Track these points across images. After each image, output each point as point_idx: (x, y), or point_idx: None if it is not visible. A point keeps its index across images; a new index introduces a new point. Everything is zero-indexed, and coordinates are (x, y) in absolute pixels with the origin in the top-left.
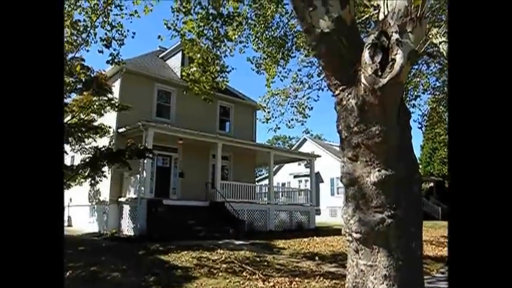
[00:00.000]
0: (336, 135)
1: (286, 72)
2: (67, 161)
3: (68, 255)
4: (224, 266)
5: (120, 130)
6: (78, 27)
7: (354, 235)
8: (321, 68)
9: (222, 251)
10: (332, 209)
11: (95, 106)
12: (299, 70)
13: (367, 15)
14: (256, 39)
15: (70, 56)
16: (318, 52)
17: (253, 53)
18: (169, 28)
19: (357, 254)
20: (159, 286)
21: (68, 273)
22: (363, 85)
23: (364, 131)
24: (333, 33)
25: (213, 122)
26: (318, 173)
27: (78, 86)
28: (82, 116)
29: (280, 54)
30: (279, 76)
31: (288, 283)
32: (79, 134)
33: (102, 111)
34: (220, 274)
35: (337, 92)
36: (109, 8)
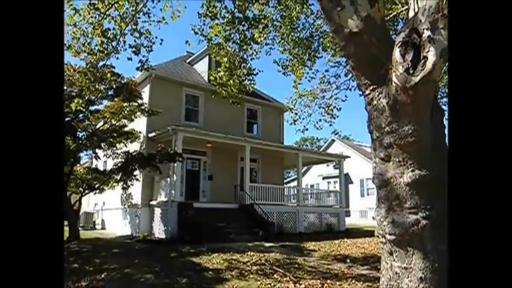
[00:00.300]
0: (366, 135)
1: (313, 73)
2: (100, 165)
3: (102, 257)
4: (255, 268)
5: (150, 135)
6: (108, 36)
7: (388, 237)
8: (348, 68)
9: (252, 253)
10: (362, 210)
11: (126, 112)
12: (326, 71)
13: (395, 13)
14: (282, 41)
15: (101, 63)
16: (347, 52)
17: (279, 55)
18: (196, 33)
19: (391, 256)
20: None
21: (103, 275)
22: (394, 84)
23: (396, 130)
24: (362, 33)
25: (241, 124)
26: (347, 174)
27: (110, 93)
28: (113, 122)
29: (307, 55)
30: (306, 77)
31: (320, 285)
32: (111, 140)
33: (133, 117)
34: (251, 276)
35: (367, 92)
36: (137, 15)
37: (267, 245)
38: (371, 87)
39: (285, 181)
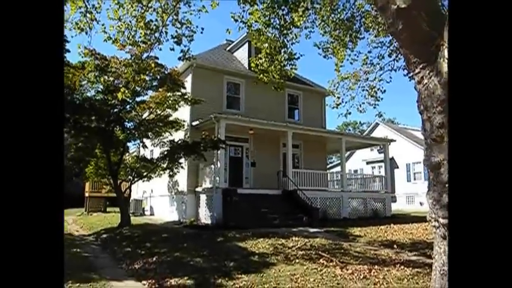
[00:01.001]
0: (412, 118)
1: (355, 54)
2: (147, 154)
3: (152, 241)
4: (300, 253)
5: (194, 123)
6: (150, 27)
7: (441, 221)
8: (392, 48)
9: (297, 238)
10: (408, 195)
11: (170, 102)
12: (369, 52)
13: None
14: (323, 23)
15: (145, 55)
16: (394, 30)
17: (319, 38)
18: (236, 20)
19: (444, 240)
20: (239, 271)
21: (154, 258)
22: (446, 61)
23: None
24: (410, 8)
25: (282, 110)
26: (393, 158)
27: (154, 84)
28: (158, 112)
29: (348, 36)
30: (348, 59)
31: (367, 271)
32: (157, 129)
33: (176, 106)
34: (297, 261)
35: (417, 71)
36: (178, 6)
37: (312, 230)
38: (421, 66)
39: (328, 167)
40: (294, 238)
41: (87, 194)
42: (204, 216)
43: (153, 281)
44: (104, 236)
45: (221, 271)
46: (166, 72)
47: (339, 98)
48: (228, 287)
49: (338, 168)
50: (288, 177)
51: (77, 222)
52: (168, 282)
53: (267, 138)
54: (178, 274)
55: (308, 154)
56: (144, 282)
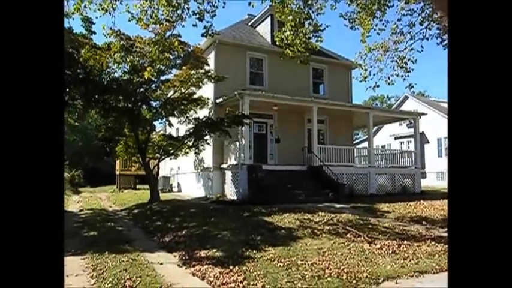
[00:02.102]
0: (443, 90)
1: (383, 24)
2: (173, 133)
3: (181, 216)
4: (327, 227)
5: (218, 101)
6: (173, 4)
7: None
8: (424, 15)
9: (323, 214)
10: (439, 172)
11: (194, 79)
12: (399, 20)
13: None
14: None
15: (168, 33)
16: None
17: (345, 8)
18: None
19: None
20: (266, 244)
21: (184, 232)
22: None
23: None
24: None
25: (307, 85)
26: (423, 133)
27: (178, 62)
28: (183, 90)
29: (376, 4)
30: (375, 29)
31: (396, 246)
32: (182, 107)
33: (200, 84)
34: (323, 235)
35: None
36: None
37: (338, 206)
38: None
39: (354, 143)
40: (320, 213)
41: (117, 172)
42: (230, 192)
43: (184, 252)
44: (135, 211)
45: (249, 244)
46: (189, 50)
47: (366, 70)
48: (256, 259)
49: (365, 144)
50: (313, 153)
51: (109, 199)
52: (198, 254)
53: (291, 114)
54: (207, 246)
55: (334, 130)
56: (175, 253)
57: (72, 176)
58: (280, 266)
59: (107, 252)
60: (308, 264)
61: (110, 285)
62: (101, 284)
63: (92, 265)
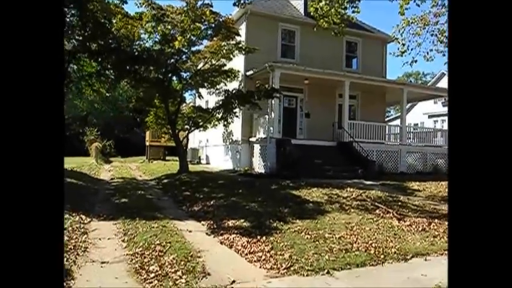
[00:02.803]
0: None
1: None
2: (202, 104)
3: (209, 187)
4: (355, 203)
5: (248, 73)
6: None
7: None
8: None
9: (351, 189)
10: None
11: (224, 51)
12: None
13: None
14: None
15: (199, 3)
16: None
17: None
18: None
19: None
20: (294, 217)
21: (212, 202)
22: None
23: None
24: None
25: (339, 59)
26: None
27: (209, 32)
28: (213, 62)
29: None
30: (414, 1)
31: (426, 224)
32: (211, 79)
33: (231, 56)
34: (352, 210)
35: None
36: None
37: (367, 183)
38: None
39: (386, 120)
40: (348, 189)
41: (147, 143)
42: (258, 165)
43: (212, 222)
44: (165, 181)
45: (276, 216)
46: (220, 20)
47: (404, 45)
48: (284, 230)
49: (397, 122)
50: (344, 129)
51: (139, 169)
52: (226, 224)
53: (322, 89)
54: (235, 217)
55: (365, 105)
56: (203, 222)
57: (104, 146)
58: (307, 238)
59: (137, 219)
60: (336, 238)
61: (140, 249)
62: (132, 248)
63: (123, 230)
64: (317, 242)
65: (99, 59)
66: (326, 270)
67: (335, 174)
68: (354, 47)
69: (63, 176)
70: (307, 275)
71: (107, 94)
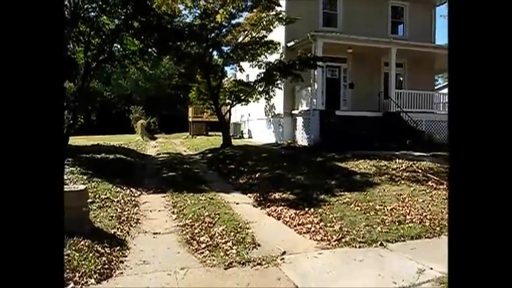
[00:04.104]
0: None
1: None
2: (243, 78)
3: (253, 160)
4: (406, 174)
5: (289, 44)
6: None
7: None
8: None
9: (401, 161)
10: None
11: (264, 22)
12: None
13: None
14: None
15: None
16: None
17: None
18: None
19: None
20: (341, 189)
21: (257, 175)
22: None
23: None
24: None
25: (384, 26)
26: None
27: (249, 4)
28: (253, 34)
29: None
30: None
31: None
32: (252, 52)
33: (271, 27)
34: (402, 182)
35: None
36: None
37: (416, 154)
38: None
39: (435, 88)
40: (397, 160)
41: (190, 119)
42: (301, 138)
43: (258, 194)
44: (209, 155)
45: (323, 188)
46: None
47: None
48: (332, 202)
49: (446, 90)
50: (390, 99)
51: (183, 144)
52: (272, 196)
53: (366, 58)
54: (281, 189)
55: (413, 74)
56: (249, 195)
57: (148, 123)
58: (357, 210)
59: (185, 191)
60: (387, 210)
61: (190, 220)
62: (182, 219)
63: (172, 202)
64: (368, 214)
65: (142, 37)
66: (379, 242)
67: (382, 146)
68: (400, 12)
69: (63, 175)
70: (359, 247)
71: (150, 72)
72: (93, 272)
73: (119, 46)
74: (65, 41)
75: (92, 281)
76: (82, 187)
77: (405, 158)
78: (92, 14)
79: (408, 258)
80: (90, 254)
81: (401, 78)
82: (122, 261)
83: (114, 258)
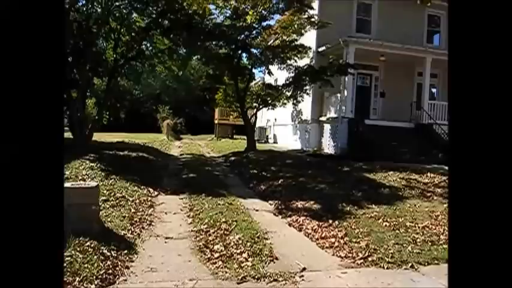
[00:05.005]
0: None
1: None
2: (271, 82)
3: (277, 166)
4: (438, 190)
5: (320, 49)
6: None
7: None
8: None
9: (432, 175)
10: None
11: (296, 26)
12: None
13: None
14: None
15: None
16: None
17: None
18: None
19: None
20: (369, 201)
21: (280, 181)
22: None
23: None
24: None
25: (420, 35)
26: None
27: (280, 6)
28: (284, 38)
29: None
30: None
31: None
32: (282, 55)
33: (302, 31)
34: (434, 198)
35: None
36: None
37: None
38: None
39: None
40: (428, 174)
41: (216, 121)
42: (328, 146)
43: (279, 202)
44: (232, 158)
45: (349, 199)
46: None
47: None
48: (358, 215)
49: None
50: (423, 109)
51: (208, 146)
52: (294, 205)
53: (399, 66)
54: (304, 198)
55: (447, 85)
56: (271, 202)
57: (175, 124)
58: (385, 225)
59: (203, 194)
60: (419, 228)
61: (205, 226)
62: (197, 224)
63: (189, 205)
64: (397, 231)
65: (171, 36)
66: (410, 264)
67: (412, 158)
68: (436, 21)
69: (63, 175)
70: (387, 268)
71: (179, 72)
72: (94, 277)
73: (148, 44)
74: (66, 36)
75: (93, 287)
76: (93, 184)
77: (437, 172)
78: (124, 11)
79: (443, 285)
80: (95, 257)
81: (434, 89)
82: (127, 267)
83: (119, 263)
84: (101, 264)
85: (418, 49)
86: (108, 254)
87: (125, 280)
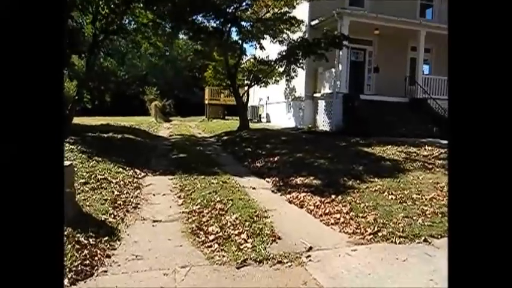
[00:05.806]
0: None
1: None
2: (263, 56)
3: (272, 143)
4: (439, 162)
5: (313, 23)
6: None
7: None
8: None
9: (430, 148)
10: None
11: None
12: None
13: None
14: None
15: None
16: None
17: None
18: None
19: None
20: (370, 175)
21: (276, 158)
22: None
23: None
24: None
25: (413, 9)
26: None
27: None
28: (276, 10)
29: None
30: None
31: None
32: (273, 28)
33: (294, 3)
34: (437, 170)
35: None
36: None
37: (444, 142)
38: None
39: None
40: (427, 147)
41: (206, 102)
42: (322, 122)
43: (277, 178)
44: (225, 137)
45: (350, 174)
46: None
47: None
48: (361, 189)
49: None
50: (418, 84)
51: (198, 127)
52: (293, 181)
53: (393, 41)
54: (303, 174)
55: (441, 60)
56: (268, 179)
57: (163, 106)
58: (391, 198)
59: (195, 174)
60: (426, 199)
61: (198, 206)
62: (189, 205)
63: (180, 185)
64: (405, 204)
65: (154, 8)
66: (423, 238)
67: (407, 132)
68: None
69: (63, 172)
70: (399, 243)
71: (165, 49)
72: (68, 270)
73: (130, 18)
74: (65, 32)
75: (65, 281)
76: (66, 163)
77: (434, 145)
78: None
79: None
80: (69, 246)
81: (428, 64)
82: (108, 256)
83: (99, 252)
84: (76, 254)
85: (413, 22)
86: (85, 241)
87: (105, 271)
